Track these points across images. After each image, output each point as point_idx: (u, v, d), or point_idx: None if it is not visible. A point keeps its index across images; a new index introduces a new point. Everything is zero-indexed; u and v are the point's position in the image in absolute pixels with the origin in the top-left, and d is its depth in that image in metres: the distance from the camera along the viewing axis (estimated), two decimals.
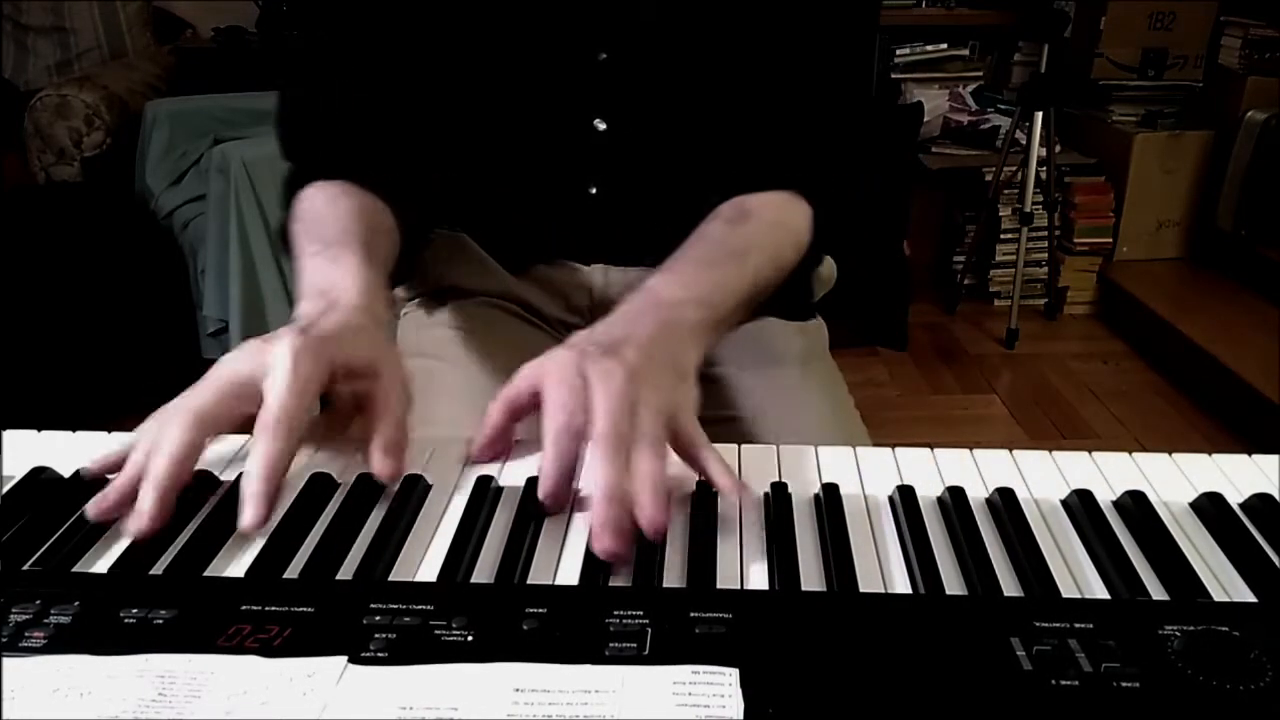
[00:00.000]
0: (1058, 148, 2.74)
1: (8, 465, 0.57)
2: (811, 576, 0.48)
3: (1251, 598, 0.46)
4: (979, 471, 0.58)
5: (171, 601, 0.43)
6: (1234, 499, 0.54)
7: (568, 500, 0.52)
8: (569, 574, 0.48)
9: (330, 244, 0.67)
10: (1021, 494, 0.54)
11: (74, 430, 0.61)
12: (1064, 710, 0.38)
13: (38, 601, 0.43)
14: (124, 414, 0.57)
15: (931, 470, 0.58)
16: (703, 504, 0.52)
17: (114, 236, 2.31)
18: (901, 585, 0.48)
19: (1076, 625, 0.41)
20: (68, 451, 0.59)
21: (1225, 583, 0.48)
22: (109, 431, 0.61)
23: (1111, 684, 0.38)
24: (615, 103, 0.82)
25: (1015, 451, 0.59)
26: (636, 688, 0.38)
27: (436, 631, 0.41)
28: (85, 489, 0.55)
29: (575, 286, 0.88)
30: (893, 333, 2.74)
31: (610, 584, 0.47)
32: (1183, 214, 2.93)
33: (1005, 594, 0.46)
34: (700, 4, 0.79)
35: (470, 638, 0.41)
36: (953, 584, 0.47)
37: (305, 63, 0.82)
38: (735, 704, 0.37)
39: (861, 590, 0.46)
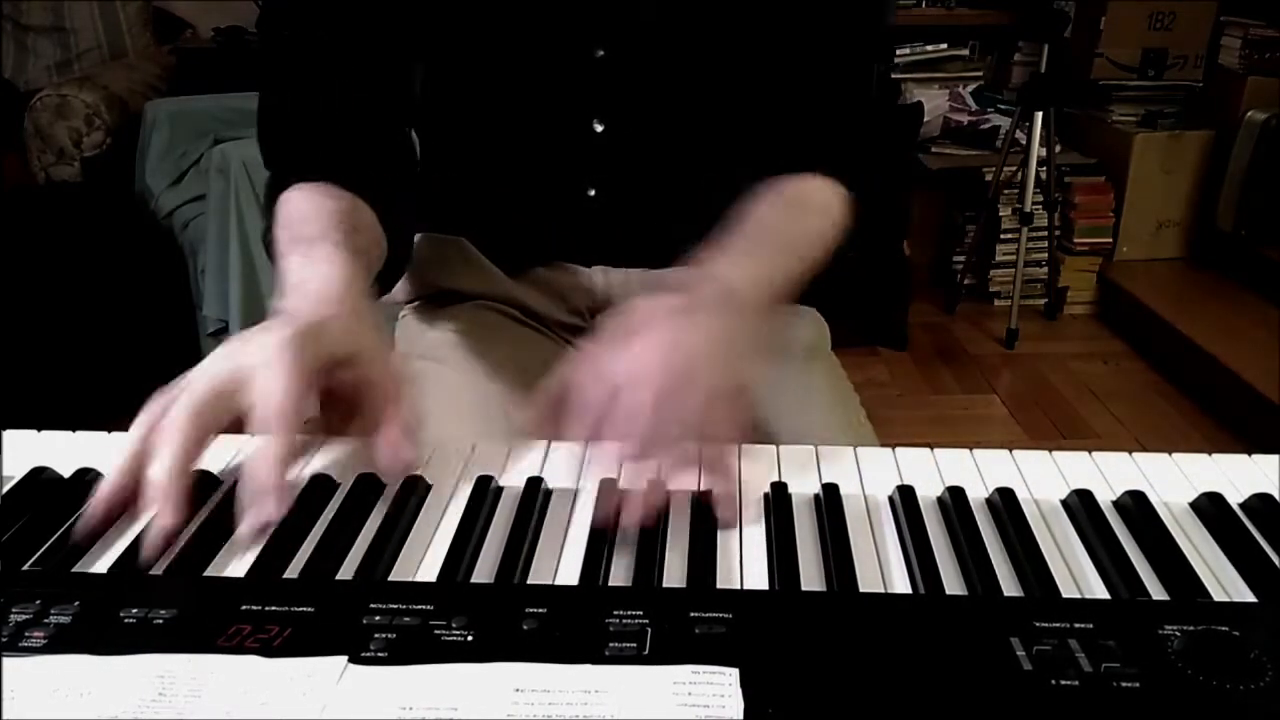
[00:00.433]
0: (1058, 148, 2.74)
1: (8, 465, 0.57)
2: (811, 576, 0.48)
3: (1251, 598, 0.46)
4: (979, 471, 0.58)
5: (171, 601, 0.43)
6: (1234, 499, 0.54)
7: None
8: (569, 574, 0.48)
9: (309, 242, 0.66)
10: (1021, 494, 0.54)
11: (74, 430, 0.61)
12: (1064, 710, 0.38)
13: (38, 601, 0.43)
14: (124, 414, 0.56)
15: (931, 470, 0.58)
16: (702, 504, 0.52)
17: (114, 236, 2.31)
18: (901, 585, 0.48)
19: (1076, 625, 0.41)
20: (68, 451, 0.59)
21: (1225, 583, 0.48)
22: (109, 431, 0.61)
23: (1111, 684, 0.38)
24: (613, 103, 0.82)
25: (1015, 451, 0.59)
26: (636, 688, 0.38)
27: (436, 631, 0.41)
28: (85, 489, 0.55)
29: (575, 289, 0.88)
30: (893, 333, 2.73)
31: (610, 584, 0.47)
32: (1183, 214, 2.93)
33: (1005, 594, 0.46)
34: (698, 1, 0.79)
35: (470, 638, 0.41)
36: (953, 584, 0.47)
37: (286, 66, 0.80)
38: (735, 704, 0.37)
39: (861, 590, 0.46)
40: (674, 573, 0.48)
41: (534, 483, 0.54)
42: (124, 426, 0.61)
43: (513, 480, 0.56)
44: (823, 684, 0.38)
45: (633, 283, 0.87)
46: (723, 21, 0.79)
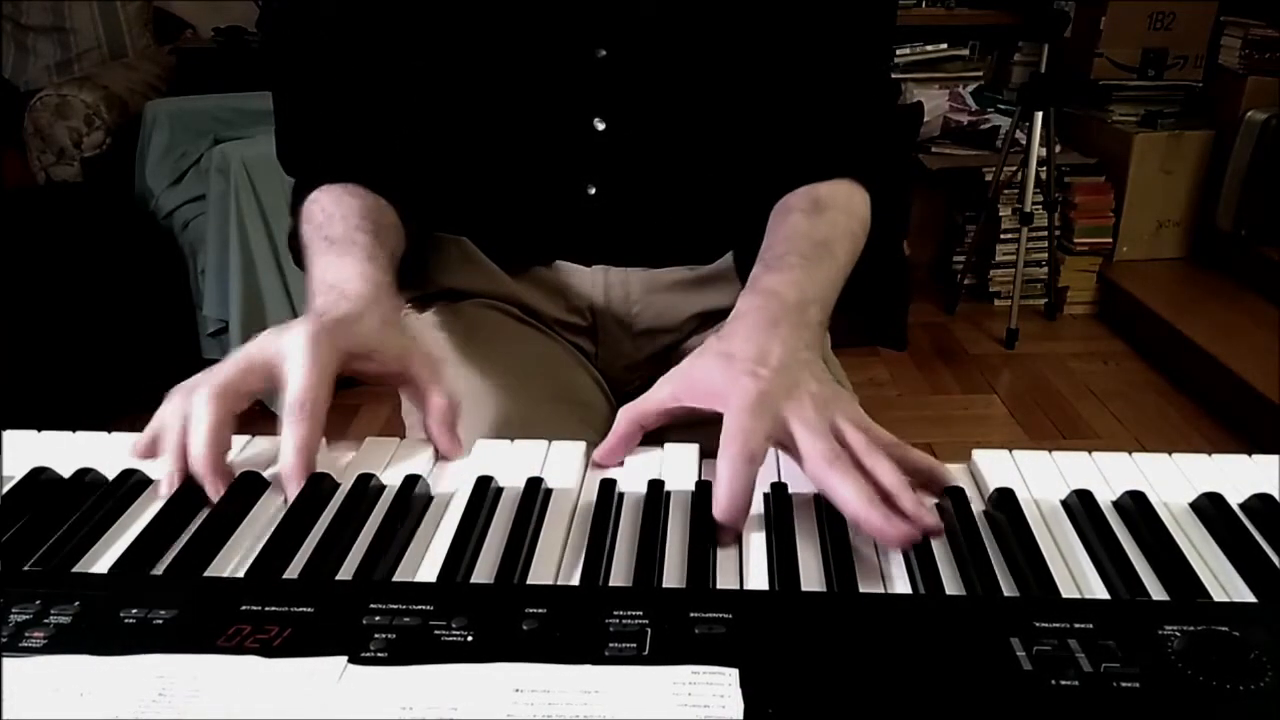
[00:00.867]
0: (1058, 148, 2.74)
1: (8, 465, 0.57)
2: (811, 576, 0.48)
3: (1251, 598, 0.46)
4: (979, 472, 0.58)
5: (171, 601, 0.43)
6: (1234, 499, 0.54)
7: (744, 522, 0.52)
8: (569, 574, 0.48)
9: (336, 241, 0.70)
10: (1021, 494, 0.54)
11: (74, 430, 0.61)
12: (1064, 710, 0.38)
13: (38, 601, 0.43)
14: (124, 414, 0.57)
15: None
16: (703, 504, 0.52)
17: (114, 236, 2.31)
18: (901, 585, 0.48)
19: (1076, 625, 0.41)
20: (68, 451, 0.59)
21: (1225, 583, 0.48)
22: (109, 431, 0.61)
23: (1111, 684, 0.38)
24: (614, 101, 0.82)
25: (1015, 451, 0.59)
26: (636, 688, 0.38)
27: (436, 631, 0.41)
28: (85, 489, 0.55)
29: (575, 288, 0.88)
30: (893, 333, 2.73)
31: (610, 584, 0.47)
32: (1183, 214, 2.93)
33: (1005, 594, 0.46)
34: (700, 1, 0.79)
35: (470, 638, 0.41)
36: (952, 584, 0.47)
37: (295, 70, 0.82)
38: (735, 704, 0.37)
39: (861, 590, 0.46)
40: (674, 573, 0.48)
41: (534, 483, 0.54)
42: (124, 426, 0.61)
43: (513, 480, 0.56)
44: (823, 684, 0.38)
45: (633, 282, 0.88)
46: (725, 21, 0.79)
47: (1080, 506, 0.53)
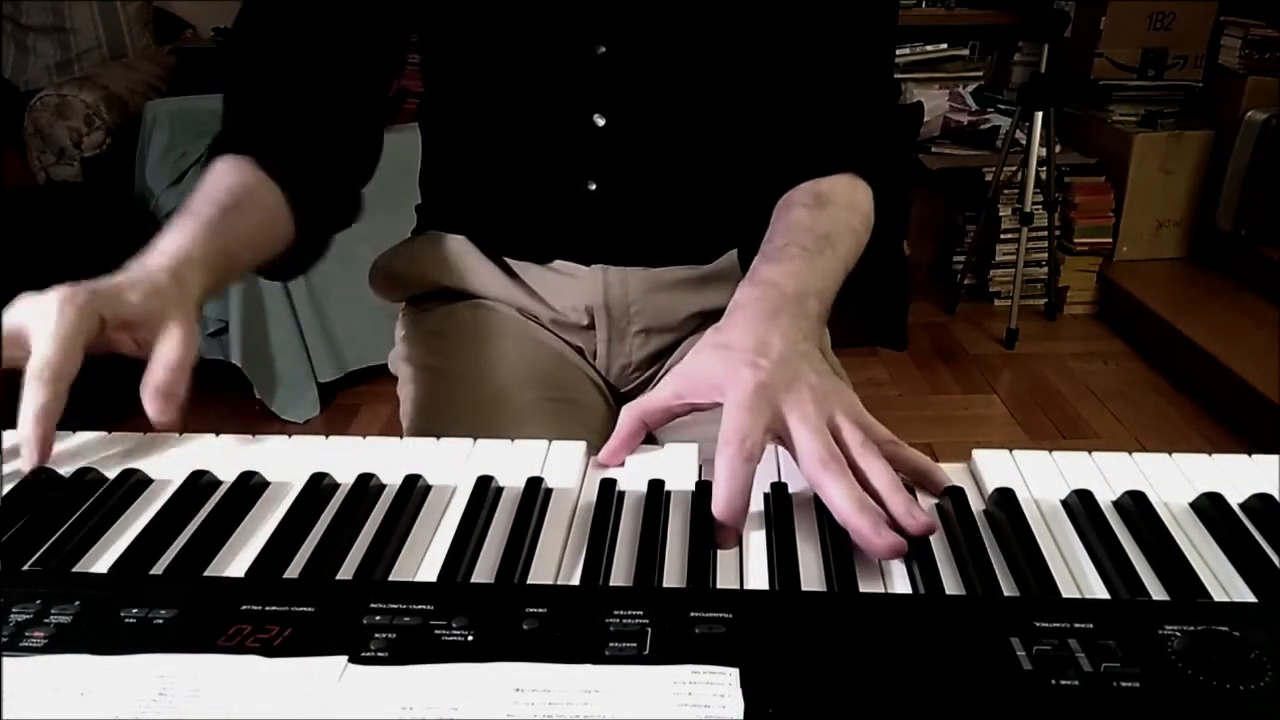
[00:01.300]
0: (1058, 148, 2.74)
1: (8, 465, 0.57)
2: (811, 576, 0.48)
3: (1251, 598, 0.46)
4: (979, 472, 0.58)
5: (171, 601, 0.43)
6: (1234, 499, 0.54)
7: (744, 520, 0.52)
8: (569, 574, 0.48)
9: (187, 211, 0.69)
10: (1021, 494, 0.54)
11: (74, 430, 0.61)
12: (1064, 710, 0.38)
13: (38, 601, 0.43)
14: (124, 414, 0.57)
15: None
16: (703, 504, 0.52)
17: (114, 236, 2.31)
18: (901, 585, 0.48)
19: (1076, 625, 0.41)
20: (68, 451, 0.59)
21: (1225, 583, 0.48)
22: (109, 432, 0.61)
23: (1111, 684, 0.38)
24: (614, 97, 0.82)
25: (1015, 451, 0.59)
26: (636, 688, 0.38)
27: (436, 631, 0.41)
28: (85, 489, 0.55)
29: (575, 287, 0.88)
30: (893, 333, 2.73)
31: (610, 584, 0.47)
32: (1183, 214, 2.93)
33: (1005, 594, 0.46)
34: None
35: (470, 638, 0.41)
36: (952, 584, 0.47)
37: (258, 53, 0.80)
38: (735, 704, 0.37)
39: (861, 590, 0.46)
40: (674, 573, 0.48)
41: (534, 483, 0.54)
42: (124, 426, 0.62)
43: (513, 480, 0.56)
44: (823, 684, 0.38)
45: (632, 281, 0.87)
46: (724, 18, 0.79)
47: (1080, 506, 0.53)
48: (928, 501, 0.55)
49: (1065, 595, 0.46)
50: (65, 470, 0.57)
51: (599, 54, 0.80)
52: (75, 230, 2.27)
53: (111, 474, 0.56)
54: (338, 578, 0.47)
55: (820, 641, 0.41)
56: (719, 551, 0.50)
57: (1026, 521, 0.52)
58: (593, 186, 0.85)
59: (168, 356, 0.59)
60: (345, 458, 0.58)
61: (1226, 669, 0.39)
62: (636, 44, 0.80)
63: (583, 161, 0.84)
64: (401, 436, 0.68)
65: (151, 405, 0.58)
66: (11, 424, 0.59)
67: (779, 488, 0.54)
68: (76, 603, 0.43)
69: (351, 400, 2.41)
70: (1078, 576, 0.48)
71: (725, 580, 0.48)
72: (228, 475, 0.56)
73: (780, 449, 0.59)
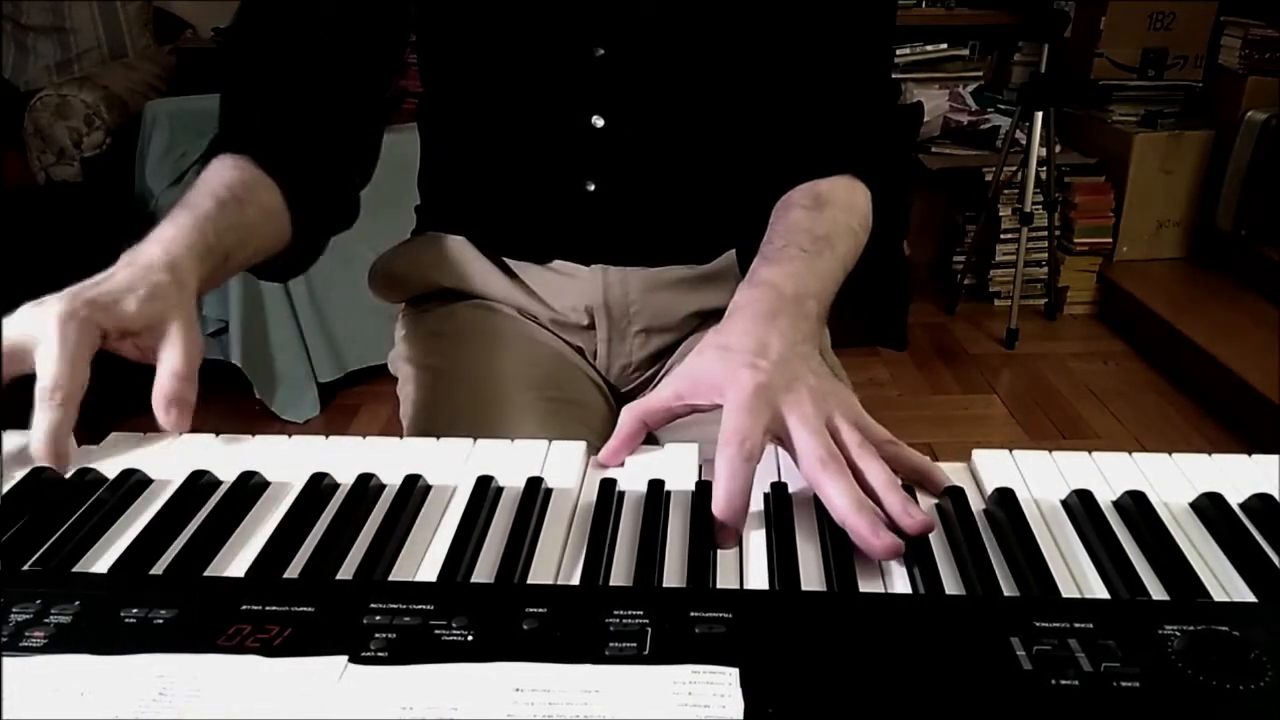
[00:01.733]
0: (1058, 148, 2.74)
1: (8, 465, 0.57)
2: (811, 576, 0.48)
3: (1251, 598, 0.46)
4: (979, 472, 0.58)
5: (171, 601, 0.43)
6: (1234, 499, 0.54)
7: (744, 520, 0.52)
8: (569, 574, 0.48)
9: (183, 204, 0.68)
10: (1021, 494, 0.54)
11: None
12: (1064, 710, 0.38)
13: (38, 601, 0.43)
14: (124, 414, 0.57)
15: None
16: (703, 504, 0.52)
17: (114, 236, 2.30)
18: (901, 585, 0.48)
19: (1076, 625, 0.41)
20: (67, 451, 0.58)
21: (1225, 583, 0.48)
22: (109, 431, 0.61)
23: (1111, 684, 0.38)
24: (613, 99, 0.82)
25: (1015, 451, 0.59)
26: (636, 688, 0.38)
27: (436, 631, 0.41)
28: (85, 489, 0.55)
29: (574, 287, 0.88)
30: (893, 333, 2.73)
31: (610, 584, 0.47)
32: (1183, 214, 2.93)
33: (1005, 594, 0.46)
34: (698, 1, 0.79)
35: (470, 638, 0.41)
36: (952, 584, 0.47)
37: (258, 50, 0.80)
38: (735, 704, 0.37)
39: (861, 590, 0.46)
40: (674, 573, 0.48)
41: (534, 483, 0.54)
42: (124, 427, 0.61)
43: (513, 480, 0.56)
44: (823, 684, 0.38)
45: (631, 281, 0.87)
46: (723, 20, 0.79)
47: (1080, 506, 0.53)
48: (927, 501, 0.55)
49: (1065, 595, 0.46)
50: (65, 470, 0.57)
51: (597, 56, 0.80)
52: (75, 230, 2.26)
53: (111, 474, 0.56)
54: (338, 578, 0.47)
55: (820, 641, 0.41)
56: (719, 551, 0.50)
57: (1026, 521, 0.52)
58: (591, 187, 0.85)
59: (174, 364, 0.59)
60: (345, 458, 0.58)
61: (1226, 669, 0.39)
62: (635, 46, 0.80)
63: (581, 162, 0.84)
64: (401, 436, 0.68)
65: (164, 415, 0.58)
66: (12, 424, 0.60)
67: (779, 488, 0.54)
68: (76, 603, 0.43)
69: (351, 400, 2.41)
70: (1078, 576, 0.48)
71: (725, 580, 0.48)
72: (228, 475, 0.56)
73: (780, 449, 0.59)
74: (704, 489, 0.53)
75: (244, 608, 0.43)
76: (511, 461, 0.58)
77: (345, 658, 0.39)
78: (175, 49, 2.99)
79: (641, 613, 0.42)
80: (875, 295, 2.64)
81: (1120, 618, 0.42)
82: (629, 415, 0.60)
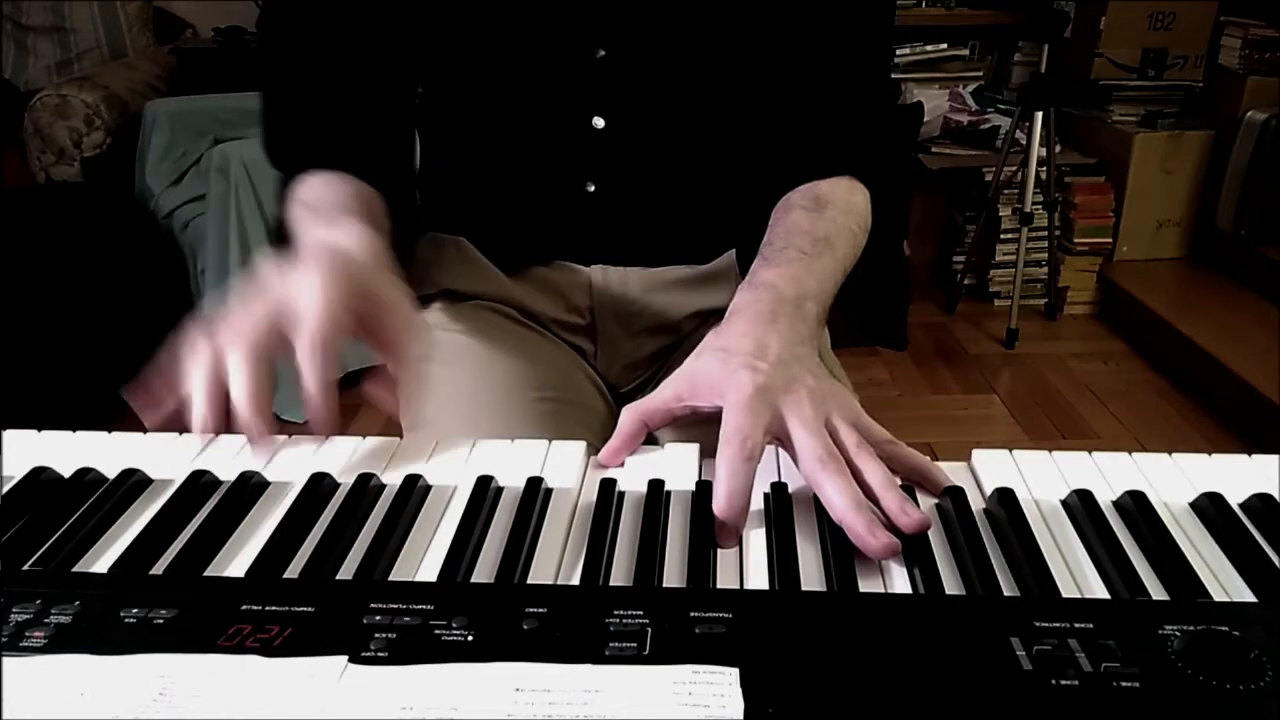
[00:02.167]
0: (1058, 148, 2.74)
1: (8, 465, 0.57)
2: (811, 576, 0.48)
3: (1251, 598, 0.46)
4: (979, 472, 0.58)
5: (171, 601, 0.43)
6: (1234, 499, 0.54)
7: (745, 520, 0.52)
8: (569, 574, 0.48)
9: (330, 217, 0.69)
10: (1021, 494, 0.54)
11: (74, 430, 0.61)
12: (1064, 710, 0.38)
13: (38, 601, 0.43)
14: (124, 414, 0.57)
15: None
16: (702, 504, 0.52)
17: (114, 236, 2.31)
18: (901, 585, 0.48)
19: (1076, 625, 0.41)
20: (68, 451, 0.59)
21: (1225, 583, 0.48)
22: (109, 431, 0.61)
23: (1111, 684, 0.38)
24: (613, 100, 0.82)
25: (1015, 451, 0.59)
26: (636, 688, 0.38)
27: (436, 631, 0.41)
28: (85, 489, 0.55)
29: (574, 287, 0.88)
30: (893, 333, 2.73)
31: (610, 584, 0.47)
32: (1183, 214, 2.93)
33: (1005, 594, 0.46)
34: (699, 2, 0.79)
35: (470, 638, 0.41)
36: (952, 584, 0.47)
37: (289, 65, 0.82)
38: (735, 704, 0.37)
39: (861, 590, 0.46)
40: (674, 573, 0.48)
41: (534, 483, 0.54)
42: (124, 426, 0.61)
43: (513, 480, 0.56)
44: (823, 684, 0.38)
45: (632, 281, 0.87)
46: (723, 21, 0.79)
47: (1080, 506, 0.53)
48: (927, 501, 0.55)
49: (1065, 595, 0.46)
50: (65, 470, 0.57)
51: (598, 58, 0.80)
52: (75, 230, 2.27)
53: (111, 474, 0.56)
54: (338, 578, 0.47)
55: (820, 641, 0.41)
56: (719, 551, 0.50)
57: (1026, 521, 0.52)
58: (591, 188, 0.85)
59: (408, 349, 0.61)
60: (345, 458, 0.58)
61: (1226, 669, 0.39)
62: (635, 47, 0.80)
63: (581, 163, 0.84)
64: (401, 436, 0.68)
65: (382, 406, 0.60)
66: (12, 425, 0.60)
67: (779, 488, 0.54)
68: (76, 603, 0.43)
69: (352, 400, 2.41)
70: (1078, 576, 0.48)
71: (725, 580, 0.48)
72: (228, 475, 0.56)
73: (780, 450, 0.59)
74: (704, 489, 0.54)
75: (244, 608, 0.43)
76: (511, 461, 0.58)
77: (345, 658, 0.39)
78: (175, 49, 2.99)
79: (641, 613, 0.42)
80: (875, 295, 2.64)
81: (1120, 618, 0.42)
82: (629, 416, 0.60)
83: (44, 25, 2.84)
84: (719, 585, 0.47)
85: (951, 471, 0.58)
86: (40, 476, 0.56)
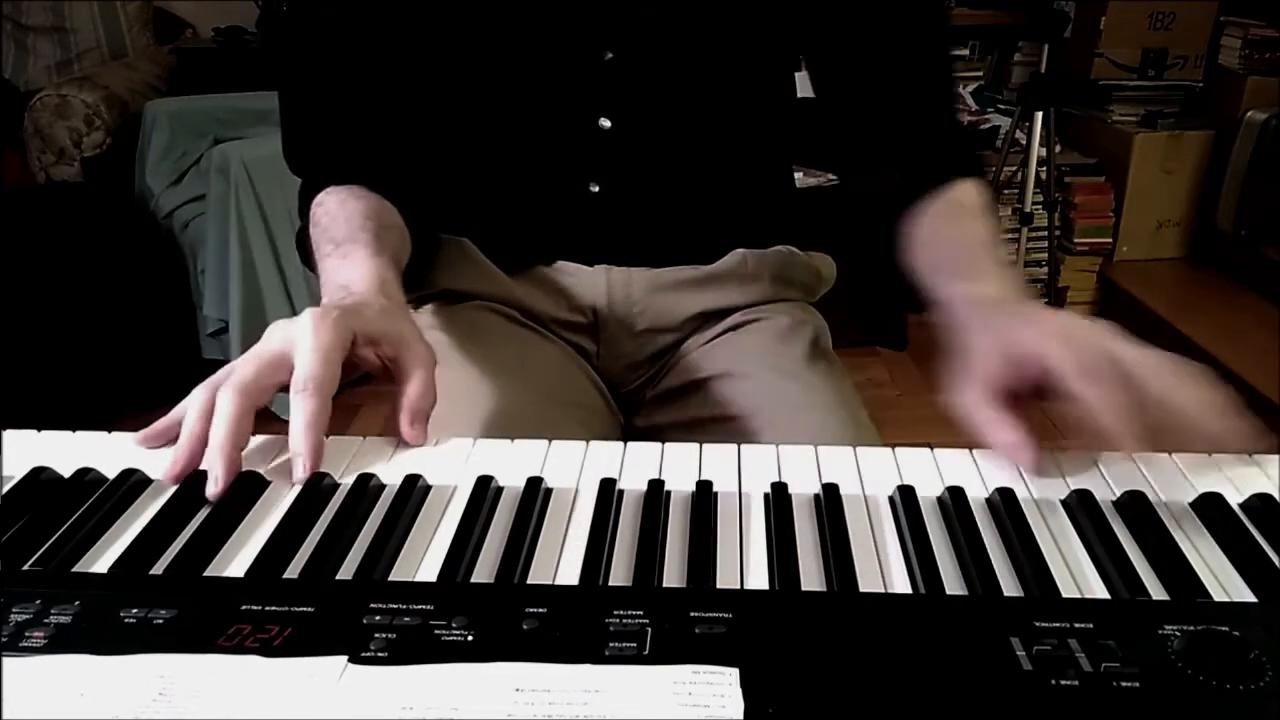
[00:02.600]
0: (1058, 148, 2.73)
1: (8, 465, 0.57)
2: (811, 576, 0.48)
3: (1251, 598, 0.46)
4: (979, 471, 0.58)
5: (171, 601, 0.43)
6: (1234, 499, 0.54)
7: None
8: (569, 574, 0.48)
9: (341, 243, 0.71)
10: (1021, 494, 0.54)
11: (74, 430, 0.61)
12: (1064, 710, 0.38)
13: (38, 601, 0.43)
14: (124, 414, 0.57)
15: (931, 470, 0.58)
16: (702, 504, 0.52)
17: (114, 236, 2.31)
18: (901, 585, 0.48)
19: (1076, 625, 0.41)
20: (68, 451, 0.58)
21: (1225, 583, 0.48)
22: (109, 431, 0.61)
23: (1111, 684, 0.38)
24: (620, 101, 0.82)
25: None
26: (636, 688, 0.38)
27: (436, 631, 0.41)
28: (85, 489, 0.55)
29: (577, 288, 0.88)
30: (893, 333, 2.73)
31: (610, 584, 0.47)
32: (1183, 214, 2.93)
33: (1005, 594, 0.46)
34: (707, 4, 0.79)
35: (470, 638, 0.41)
36: (953, 584, 0.47)
37: (305, 69, 0.83)
38: (735, 704, 0.37)
39: (861, 590, 0.46)
40: (674, 573, 0.48)
41: (534, 483, 0.54)
42: (124, 426, 0.61)
43: (513, 480, 0.56)
44: (823, 684, 0.38)
45: (635, 282, 0.87)
46: (732, 22, 0.79)
47: (1080, 506, 0.53)
48: (929, 499, 0.55)
49: (1065, 595, 0.46)
50: (65, 470, 0.57)
51: (606, 59, 0.80)
52: (75, 230, 2.27)
53: (111, 474, 0.56)
54: (338, 578, 0.47)
55: (820, 641, 0.41)
56: (719, 551, 0.50)
57: (1026, 521, 0.52)
58: (595, 188, 0.85)
59: (425, 379, 0.62)
60: (345, 458, 0.58)
61: (1226, 669, 0.39)
62: (643, 49, 0.80)
63: (586, 163, 0.84)
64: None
65: (412, 430, 0.60)
66: (12, 425, 0.60)
67: (779, 487, 0.54)
68: (76, 603, 0.43)
69: (352, 400, 2.41)
70: (1078, 576, 0.48)
71: (725, 580, 0.48)
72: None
73: (780, 448, 0.59)
74: (704, 489, 0.54)
75: (244, 608, 0.43)
76: (511, 461, 0.58)
77: (345, 658, 0.39)
78: (175, 49, 2.99)
79: (641, 613, 0.42)
80: (875, 295, 2.64)
81: (1120, 618, 0.42)
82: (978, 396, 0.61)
83: (44, 25, 2.84)
84: (719, 585, 0.47)
85: (952, 469, 0.58)
86: (40, 476, 0.56)
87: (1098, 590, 0.47)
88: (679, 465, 0.58)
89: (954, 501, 0.53)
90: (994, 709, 0.38)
